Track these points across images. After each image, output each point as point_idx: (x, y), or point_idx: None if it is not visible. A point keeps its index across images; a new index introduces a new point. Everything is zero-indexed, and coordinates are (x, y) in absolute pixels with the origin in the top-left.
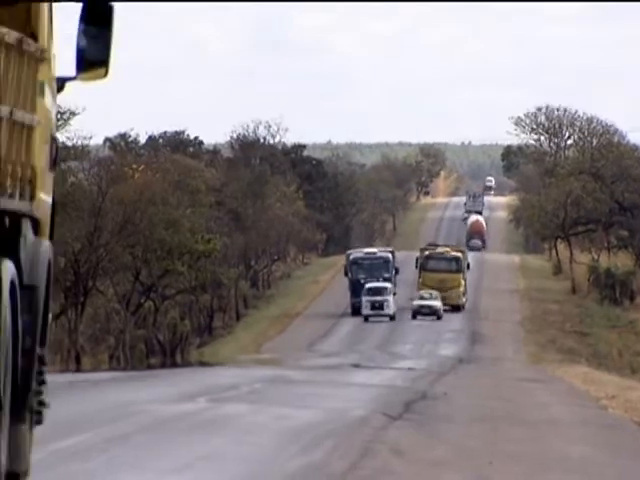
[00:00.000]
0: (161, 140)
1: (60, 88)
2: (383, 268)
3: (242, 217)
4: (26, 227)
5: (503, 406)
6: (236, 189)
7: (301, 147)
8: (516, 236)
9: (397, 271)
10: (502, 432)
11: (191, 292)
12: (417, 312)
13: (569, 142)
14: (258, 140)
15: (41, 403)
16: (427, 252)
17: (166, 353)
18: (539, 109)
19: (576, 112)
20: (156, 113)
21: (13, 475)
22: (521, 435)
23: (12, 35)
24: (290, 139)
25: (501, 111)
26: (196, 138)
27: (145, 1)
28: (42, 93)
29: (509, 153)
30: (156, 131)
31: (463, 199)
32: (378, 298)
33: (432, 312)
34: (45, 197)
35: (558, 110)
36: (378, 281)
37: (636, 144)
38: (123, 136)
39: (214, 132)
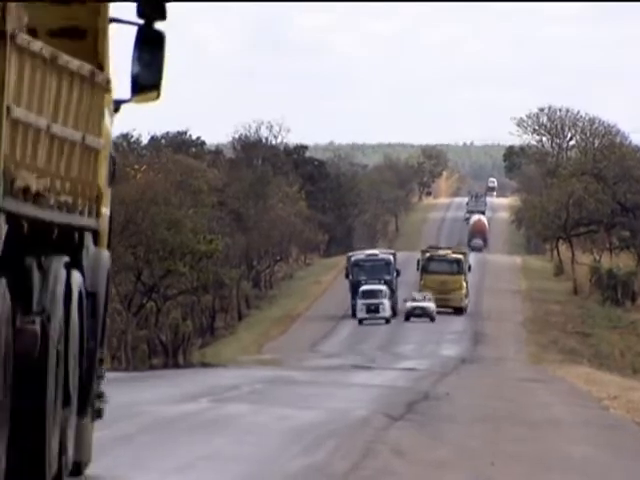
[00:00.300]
0: (163, 140)
1: (116, 110)
2: (384, 270)
3: (244, 217)
4: (88, 239)
5: (505, 406)
6: (238, 189)
7: (303, 148)
8: (518, 237)
9: (398, 273)
10: (504, 432)
11: (193, 292)
12: (410, 314)
13: (571, 143)
14: (260, 140)
15: (101, 399)
16: (428, 254)
17: (168, 354)
18: (541, 110)
19: (578, 113)
20: (158, 113)
21: (77, 464)
22: (523, 435)
23: (85, 67)
24: (292, 140)
25: (503, 112)
26: (198, 138)
27: None
28: (105, 117)
29: (511, 154)
30: (158, 131)
31: (465, 200)
32: (373, 301)
33: (425, 314)
34: (106, 211)
35: (560, 111)
36: (379, 283)
37: (638, 145)
38: (125, 136)
39: (216, 132)
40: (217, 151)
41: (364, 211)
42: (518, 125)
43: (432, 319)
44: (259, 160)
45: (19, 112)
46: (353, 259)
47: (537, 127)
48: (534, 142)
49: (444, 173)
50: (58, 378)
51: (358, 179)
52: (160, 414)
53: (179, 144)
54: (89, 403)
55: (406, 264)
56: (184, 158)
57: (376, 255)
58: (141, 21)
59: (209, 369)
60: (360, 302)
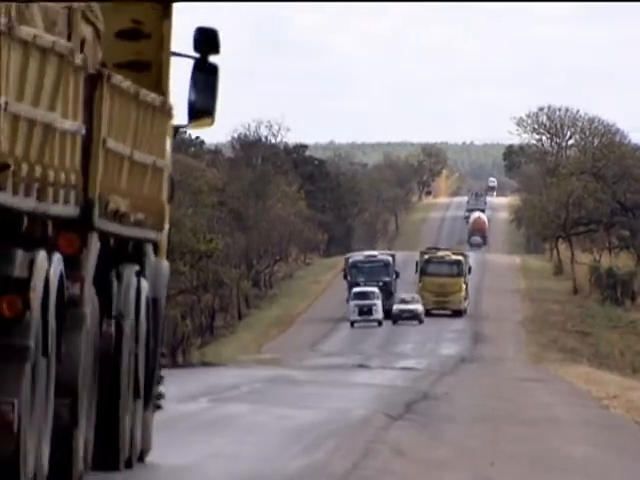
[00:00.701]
0: None
1: (174, 134)
2: (383, 272)
3: (244, 217)
4: (150, 250)
5: (505, 406)
6: (238, 189)
7: (303, 147)
8: (517, 236)
9: (397, 275)
10: (504, 432)
11: (193, 292)
12: (398, 317)
13: (570, 142)
14: (260, 140)
15: (160, 393)
16: (427, 256)
17: (167, 353)
18: (541, 109)
19: (577, 112)
20: None
21: (141, 452)
22: (523, 435)
23: (158, 99)
24: (292, 139)
25: (502, 111)
26: (197, 138)
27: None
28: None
29: (511, 153)
30: None
31: (465, 199)
32: (366, 302)
33: (413, 316)
34: (166, 225)
35: (560, 110)
36: (378, 285)
37: (637, 144)
38: None
39: (215, 132)
40: (216, 150)
41: (364, 210)
42: (518, 124)
43: (420, 321)
44: (258, 159)
45: (111, 143)
46: (351, 260)
47: (537, 126)
48: (534, 141)
49: (444, 172)
50: (130, 373)
51: (358, 178)
52: (160, 414)
53: (178, 143)
54: (152, 397)
55: (405, 264)
56: (183, 158)
57: (374, 256)
58: (197, 55)
59: (209, 368)
60: (352, 303)
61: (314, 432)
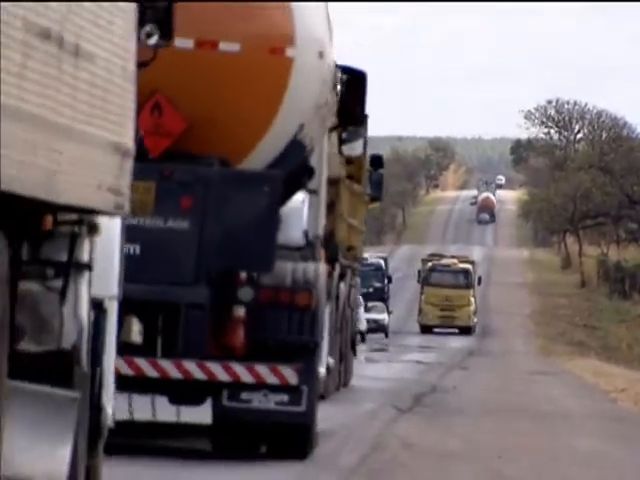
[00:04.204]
0: None
1: (367, 207)
2: (374, 277)
3: None
4: (356, 268)
5: (513, 399)
6: None
7: None
8: (525, 230)
9: (390, 280)
10: (512, 425)
11: None
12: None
13: (579, 136)
14: None
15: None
16: (430, 263)
17: None
18: (549, 102)
19: (586, 105)
20: None
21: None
22: (531, 428)
23: (360, 188)
24: None
25: (511, 105)
26: None
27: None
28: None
29: (518, 147)
30: None
31: (472, 192)
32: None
33: (379, 327)
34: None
35: (568, 103)
36: (368, 291)
37: None
38: None
39: None
40: None
41: None
42: (526, 118)
43: (386, 334)
44: None
45: (348, 219)
46: None
47: (545, 120)
48: (542, 135)
49: (451, 166)
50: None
51: None
52: None
53: None
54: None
55: (411, 260)
56: None
57: (365, 259)
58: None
59: None
60: None
61: (322, 425)
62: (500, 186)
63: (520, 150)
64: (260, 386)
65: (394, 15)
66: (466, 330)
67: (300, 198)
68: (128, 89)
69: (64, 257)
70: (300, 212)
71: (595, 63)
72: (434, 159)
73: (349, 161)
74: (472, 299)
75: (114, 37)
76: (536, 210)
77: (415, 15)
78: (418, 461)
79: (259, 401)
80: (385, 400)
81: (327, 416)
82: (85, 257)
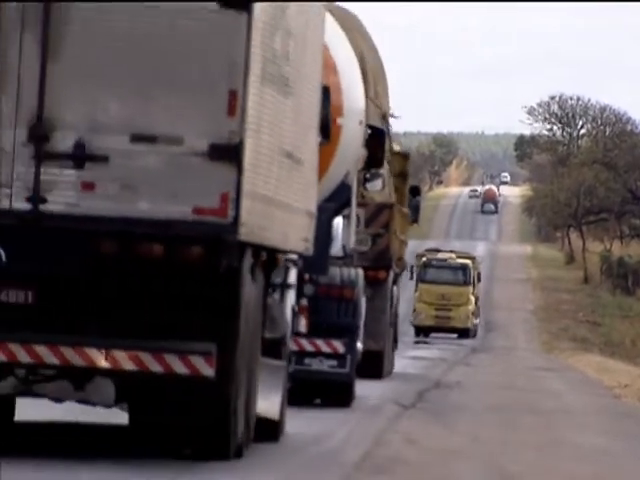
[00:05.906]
0: None
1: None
2: None
3: None
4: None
5: (516, 395)
6: None
7: None
8: (528, 225)
9: None
10: (515, 421)
11: None
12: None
13: (582, 131)
14: None
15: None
16: (424, 258)
17: None
18: (552, 98)
19: (589, 101)
20: None
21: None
22: (534, 424)
23: (404, 208)
24: None
25: (514, 101)
26: None
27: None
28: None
29: (522, 142)
30: None
31: (476, 188)
32: None
33: None
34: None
35: (571, 99)
36: None
37: None
38: None
39: None
40: None
41: None
42: (529, 113)
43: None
44: None
45: (399, 234)
46: None
47: (548, 115)
48: (545, 131)
49: (455, 162)
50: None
51: None
52: None
53: None
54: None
55: (413, 255)
56: None
57: None
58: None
59: None
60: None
61: (325, 421)
62: (505, 183)
63: (524, 146)
64: (317, 354)
65: (398, 13)
66: (464, 333)
67: (339, 221)
68: (314, 176)
69: (281, 280)
70: (338, 232)
71: (599, 59)
72: (438, 155)
73: (396, 189)
74: (471, 298)
75: (311, 146)
76: (540, 206)
77: (419, 13)
78: (422, 457)
79: (316, 365)
80: (388, 396)
81: (331, 412)
82: (292, 279)
